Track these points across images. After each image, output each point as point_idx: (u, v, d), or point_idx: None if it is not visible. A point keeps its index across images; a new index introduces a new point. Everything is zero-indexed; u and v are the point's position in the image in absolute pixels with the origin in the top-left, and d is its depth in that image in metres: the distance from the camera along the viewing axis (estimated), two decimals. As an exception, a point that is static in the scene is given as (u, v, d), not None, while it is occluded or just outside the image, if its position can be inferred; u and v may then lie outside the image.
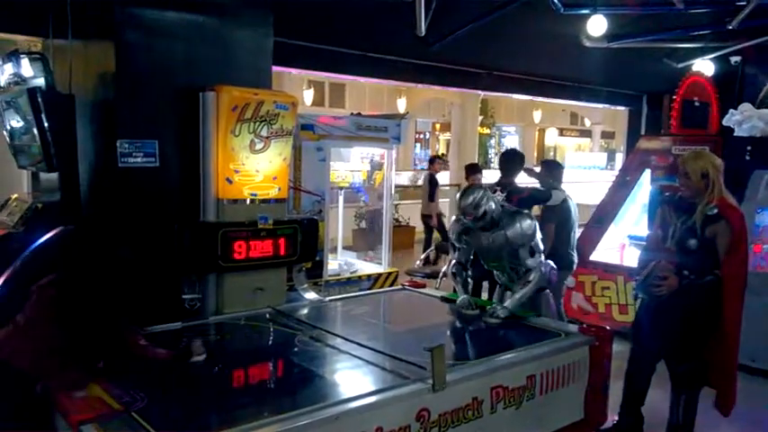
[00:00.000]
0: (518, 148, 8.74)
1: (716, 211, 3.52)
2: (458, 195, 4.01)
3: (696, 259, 3.56)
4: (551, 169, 5.66)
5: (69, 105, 3.86)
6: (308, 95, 15.54)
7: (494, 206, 3.81)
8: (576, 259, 5.47)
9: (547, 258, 4.29)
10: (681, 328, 3.63)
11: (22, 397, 2.53)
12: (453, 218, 4.18)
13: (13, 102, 4.02)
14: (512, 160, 5.61)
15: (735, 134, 6.14)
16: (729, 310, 3.58)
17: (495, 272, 4.20)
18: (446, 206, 10.88)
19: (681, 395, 3.72)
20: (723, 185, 3.60)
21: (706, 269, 3.52)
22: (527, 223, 3.87)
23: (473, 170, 8.00)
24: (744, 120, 6.08)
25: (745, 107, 6.21)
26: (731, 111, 6.23)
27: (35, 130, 3.81)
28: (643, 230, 6.46)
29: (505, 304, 3.89)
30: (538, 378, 3.13)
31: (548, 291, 4.14)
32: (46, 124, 3.75)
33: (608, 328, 3.63)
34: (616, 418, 3.92)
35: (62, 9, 3.94)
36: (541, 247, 4.02)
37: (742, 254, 3.63)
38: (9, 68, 4.06)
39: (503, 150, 10.17)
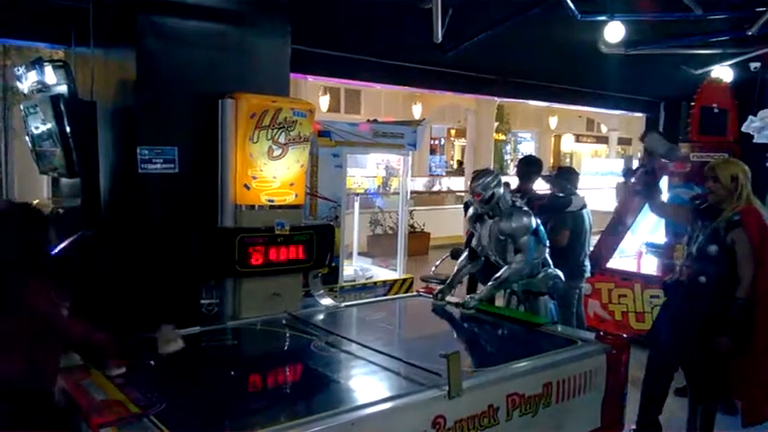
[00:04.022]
0: (535, 155, 8.67)
1: (738, 217, 3.49)
2: (471, 175, 4.06)
3: (715, 266, 3.52)
4: (567, 176, 5.64)
5: (91, 112, 3.91)
6: (324, 102, 15.61)
7: (503, 193, 3.84)
8: (588, 268, 5.44)
9: (558, 266, 4.27)
10: (699, 338, 3.59)
11: None
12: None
13: (36, 108, 4.09)
14: (530, 167, 5.60)
15: (754, 141, 6.08)
16: (760, 323, 3.53)
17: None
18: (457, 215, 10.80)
19: (698, 405, 3.69)
20: (752, 193, 3.56)
21: (723, 277, 3.48)
22: (519, 220, 3.88)
23: None
24: (763, 126, 6.02)
25: (765, 114, 6.14)
26: (750, 117, 6.15)
27: (57, 137, 3.87)
28: (660, 238, 6.43)
29: (475, 295, 4.02)
30: (554, 386, 3.11)
31: (546, 296, 4.10)
32: (68, 130, 3.80)
33: (625, 335, 3.61)
34: (633, 426, 3.89)
35: (84, 18, 4.02)
36: (531, 248, 3.94)
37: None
38: (33, 76, 4.13)
39: (520, 157, 10.07)
